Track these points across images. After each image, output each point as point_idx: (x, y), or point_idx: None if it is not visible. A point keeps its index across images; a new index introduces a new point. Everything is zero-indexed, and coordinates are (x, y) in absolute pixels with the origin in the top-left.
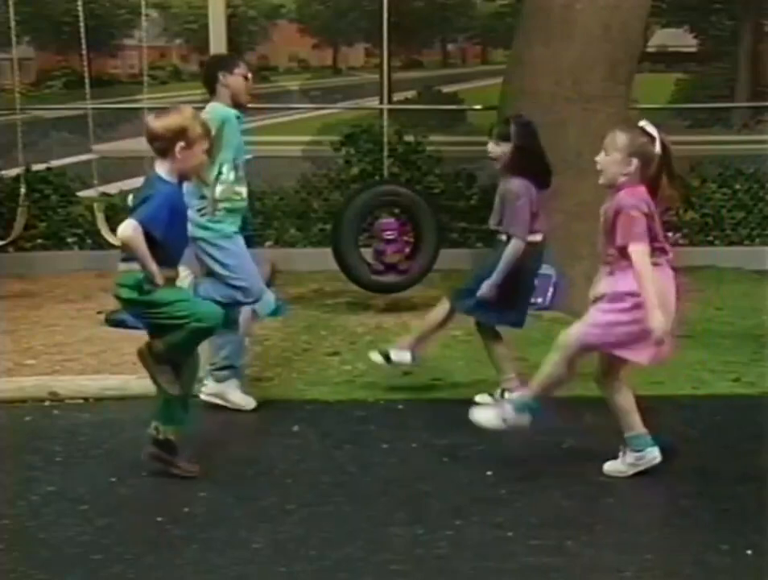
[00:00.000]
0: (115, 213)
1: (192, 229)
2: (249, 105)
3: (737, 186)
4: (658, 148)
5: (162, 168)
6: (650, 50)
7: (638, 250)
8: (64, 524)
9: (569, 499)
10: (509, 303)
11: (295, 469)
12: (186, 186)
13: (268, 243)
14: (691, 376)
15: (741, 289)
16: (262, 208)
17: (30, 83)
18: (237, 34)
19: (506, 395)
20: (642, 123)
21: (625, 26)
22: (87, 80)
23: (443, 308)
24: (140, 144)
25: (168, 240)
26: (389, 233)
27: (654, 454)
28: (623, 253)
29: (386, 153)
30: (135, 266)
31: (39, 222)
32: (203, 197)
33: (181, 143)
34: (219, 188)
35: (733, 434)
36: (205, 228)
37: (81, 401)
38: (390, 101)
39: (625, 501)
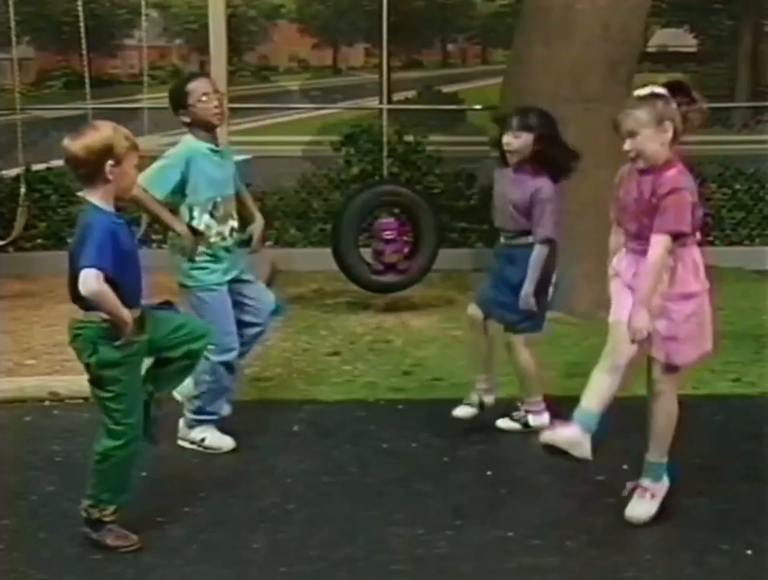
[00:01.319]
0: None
1: (178, 277)
2: (250, 106)
3: (737, 186)
4: (673, 102)
5: (94, 196)
6: (650, 50)
7: (665, 242)
8: (64, 524)
9: (569, 499)
10: (540, 307)
11: (295, 469)
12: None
13: (268, 243)
14: (691, 376)
15: (741, 289)
16: (262, 208)
17: (30, 83)
18: (237, 34)
19: (485, 398)
20: (641, 91)
21: (625, 26)
22: (87, 80)
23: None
24: (140, 144)
25: (120, 277)
26: (388, 233)
27: (663, 486)
28: (670, 234)
29: (385, 153)
30: (90, 315)
31: (39, 222)
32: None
33: (110, 162)
34: (196, 234)
35: (733, 434)
36: (188, 276)
37: (81, 401)
38: (389, 101)
39: (625, 501)
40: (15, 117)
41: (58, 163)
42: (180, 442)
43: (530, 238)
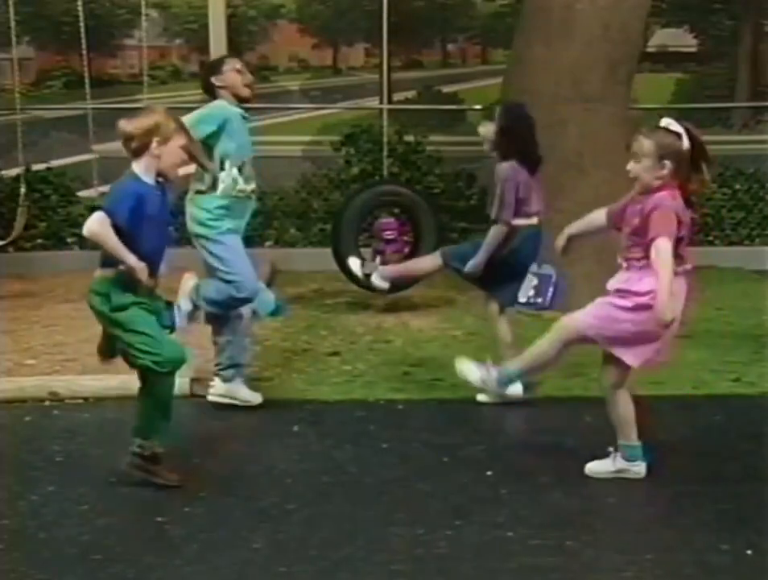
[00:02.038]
0: None
1: (190, 226)
2: (250, 105)
3: (737, 186)
4: (686, 143)
5: (138, 167)
6: (650, 50)
7: (664, 243)
8: (63, 524)
9: (569, 499)
10: (498, 281)
11: (295, 469)
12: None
13: (268, 243)
14: (691, 376)
15: (741, 289)
16: (262, 208)
17: (30, 83)
18: (237, 34)
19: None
20: (664, 122)
21: (625, 26)
22: (87, 80)
23: (433, 262)
24: None
25: (137, 234)
26: (388, 233)
27: (640, 468)
28: (647, 251)
29: (385, 153)
30: (106, 271)
31: (39, 222)
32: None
33: (156, 138)
34: (221, 184)
35: (733, 434)
36: (202, 224)
37: (81, 401)
38: (390, 101)
39: (625, 501)
40: (15, 117)
41: (58, 163)
42: (211, 398)
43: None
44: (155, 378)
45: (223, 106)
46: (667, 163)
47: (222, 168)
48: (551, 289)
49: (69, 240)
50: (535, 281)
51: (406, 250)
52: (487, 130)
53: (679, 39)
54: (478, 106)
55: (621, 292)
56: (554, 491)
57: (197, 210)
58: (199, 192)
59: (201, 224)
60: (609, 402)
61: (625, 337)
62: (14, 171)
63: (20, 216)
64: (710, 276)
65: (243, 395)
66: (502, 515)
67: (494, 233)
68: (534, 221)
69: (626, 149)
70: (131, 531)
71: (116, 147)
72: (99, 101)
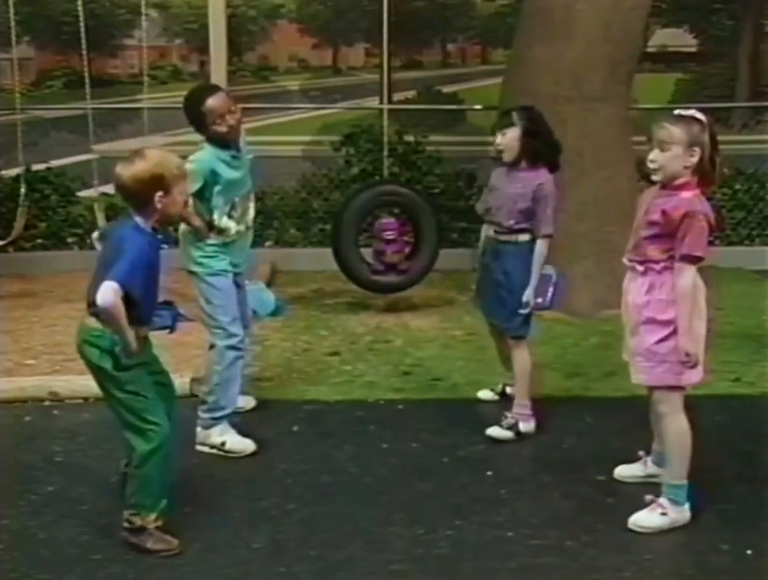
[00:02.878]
0: (116, 213)
1: (184, 261)
2: (250, 106)
3: (737, 186)
4: (707, 134)
5: (139, 217)
6: (650, 50)
7: (692, 268)
8: (63, 524)
9: (569, 499)
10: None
11: (295, 469)
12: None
13: (268, 243)
14: None
15: (741, 289)
16: (262, 208)
17: (30, 83)
18: (237, 34)
19: (508, 389)
20: (685, 112)
21: (625, 26)
22: (87, 80)
23: (525, 352)
24: (140, 144)
25: (144, 299)
26: (389, 233)
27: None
28: (668, 252)
29: (385, 153)
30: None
31: (39, 222)
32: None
33: (159, 193)
34: (212, 233)
35: (733, 434)
36: (198, 263)
37: (81, 401)
38: (390, 101)
39: (625, 501)
40: (15, 117)
41: (58, 163)
42: (199, 447)
43: (521, 237)
44: (142, 450)
45: (208, 160)
46: (697, 150)
47: (212, 220)
48: (551, 289)
49: (69, 240)
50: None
51: (407, 250)
52: (509, 138)
53: (679, 39)
54: (478, 106)
55: (651, 308)
56: (554, 491)
57: (191, 248)
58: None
59: (195, 263)
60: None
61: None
62: (14, 171)
63: (20, 216)
64: (710, 276)
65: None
66: (502, 515)
67: (541, 251)
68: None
69: (632, 145)
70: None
71: (116, 147)
72: (99, 101)
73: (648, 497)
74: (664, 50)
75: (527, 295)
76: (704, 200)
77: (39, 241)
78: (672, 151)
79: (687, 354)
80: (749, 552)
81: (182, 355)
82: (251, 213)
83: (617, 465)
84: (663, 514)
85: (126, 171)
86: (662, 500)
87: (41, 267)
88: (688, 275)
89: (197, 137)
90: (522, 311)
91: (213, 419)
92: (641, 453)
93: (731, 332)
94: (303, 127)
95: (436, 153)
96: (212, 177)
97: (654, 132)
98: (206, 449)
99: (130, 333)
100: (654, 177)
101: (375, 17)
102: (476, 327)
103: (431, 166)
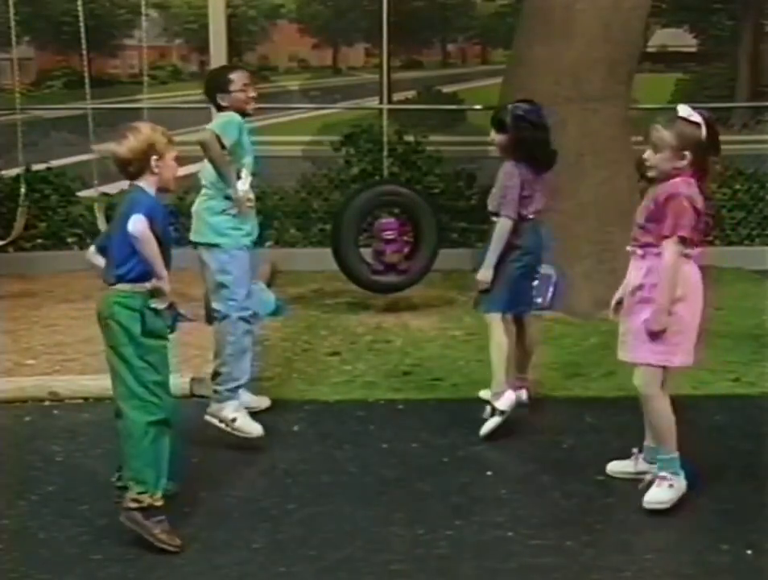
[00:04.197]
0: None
1: (204, 235)
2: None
3: (737, 186)
4: (704, 133)
5: (141, 182)
6: (650, 50)
7: (674, 247)
8: (63, 524)
9: (569, 499)
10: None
11: (295, 469)
12: (207, 191)
13: (268, 243)
14: (691, 376)
15: (741, 289)
16: (262, 208)
17: (30, 83)
18: (237, 34)
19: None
20: (684, 111)
21: (625, 26)
22: (87, 80)
23: (498, 328)
24: None
25: (163, 242)
26: (389, 233)
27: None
28: (664, 238)
29: (385, 153)
30: (137, 286)
31: (39, 222)
32: (227, 198)
33: (154, 156)
34: (240, 193)
35: (733, 434)
36: (223, 235)
37: (81, 401)
38: (390, 101)
39: (625, 501)
40: (15, 117)
41: (58, 163)
42: (208, 418)
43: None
44: (141, 421)
45: (235, 116)
46: (687, 154)
47: (239, 177)
48: (551, 289)
49: (69, 240)
50: (535, 281)
51: (406, 250)
52: (500, 138)
53: (679, 39)
54: (478, 106)
55: (645, 290)
56: (554, 491)
57: (214, 219)
58: (210, 199)
59: (220, 234)
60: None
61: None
62: (14, 171)
63: (20, 216)
64: (710, 276)
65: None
66: (502, 515)
67: (500, 228)
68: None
69: (632, 145)
70: (131, 531)
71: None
72: (99, 101)
73: (648, 475)
74: (664, 50)
75: (480, 272)
76: (691, 184)
77: (39, 241)
78: (662, 154)
79: (651, 332)
80: (749, 552)
81: (182, 355)
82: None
83: None
84: (671, 486)
85: (122, 145)
86: (663, 474)
87: (41, 267)
88: (669, 253)
89: (197, 137)
90: (478, 277)
91: (228, 390)
92: (634, 450)
93: (731, 332)
94: (303, 127)
95: (436, 153)
96: (240, 138)
97: (649, 132)
98: (215, 421)
99: (163, 268)
100: (649, 174)
101: (375, 17)
102: (476, 327)
103: (431, 166)
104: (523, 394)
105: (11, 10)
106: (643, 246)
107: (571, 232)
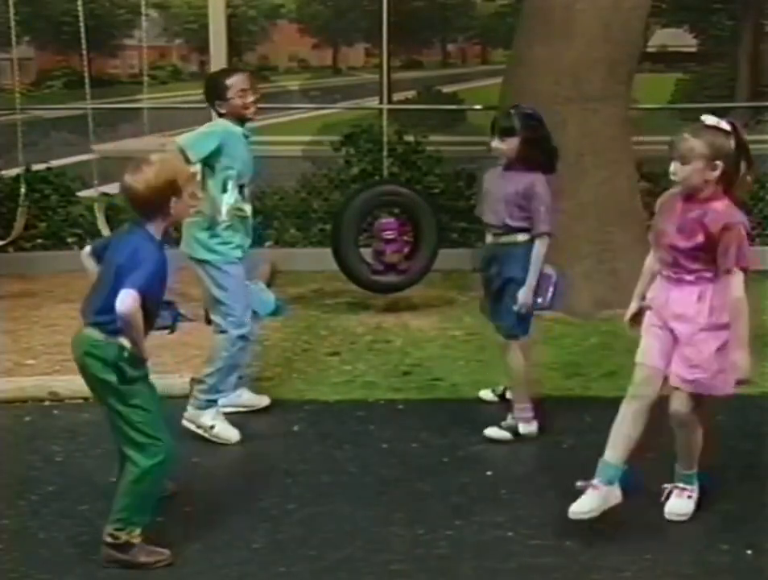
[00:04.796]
0: (116, 213)
1: (194, 251)
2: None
3: None
4: (733, 142)
5: (149, 225)
6: (650, 50)
7: (741, 278)
8: (63, 524)
9: (569, 499)
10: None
11: (295, 469)
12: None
13: (268, 243)
14: None
15: None
16: (262, 208)
17: (30, 83)
18: (237, 34)
19: (508, 393)
20: (711, 120)
21: (625, 26)
22: (87, 80)
23: (516, 354)
24: (140, 144)
25: (156, 308)
26: (388, 233)
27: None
28: (714, 263)
29: (385, 153)
30: (111, 339)
31: (39, 222)
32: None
33: (174, 199)
34: (224, 207)
35: (733, 434)
36: (212, 251)
37: (81, 401)
38: (390, 101)
39: (625, 501)
40: (15, 117)
41: (58, 163)
42: (186, 424)
43: (519, 236)
44: (143, 465)
45: (224, 125)
46: (719, 164)
47: (224, 190)
48: (551, 289)
49: (69, 240)
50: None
51: (406, 250)
52: (508, 146)
53: (679, 39)
54: (478, 106)
55: (709, 316)
56: (554, 491)
57: (202, 235)
58: (198, 213)
59: (209, 250)
60: (686, 433)
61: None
62: (14, 171)
63: (20, 216)
64: None
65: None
66: (502, 515)
67: (540, 249)
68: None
69: (632, 145)
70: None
71: (116, 147)
72: (99, 101)
73: (666, 486)
74: (664, 50)
75: (522, 293)
76: (736, 208)
77: (39, 241)
78: (693, 165)
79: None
80: (749, 552)
81: (182, 355)
82: (249, 204)
83: None
84: (690, 497)
85: (137, 179)
86: (682, 485)
87: (41, 267)
88: (738, 288)
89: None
90: (515, 308)
91: (208, 401)
92: (666, 486)
93: None
94: (303, 127)
95: (436, 153)
96: (225, 144)
97: (675, 144)
98: (192, 426)
99: (145, 350)
100: (679, 189)
101: (375, 17)
102: (477, 327)
103: (431, 166)
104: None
105: (11, 10)
106: (692, 272)
107: (572, 232)
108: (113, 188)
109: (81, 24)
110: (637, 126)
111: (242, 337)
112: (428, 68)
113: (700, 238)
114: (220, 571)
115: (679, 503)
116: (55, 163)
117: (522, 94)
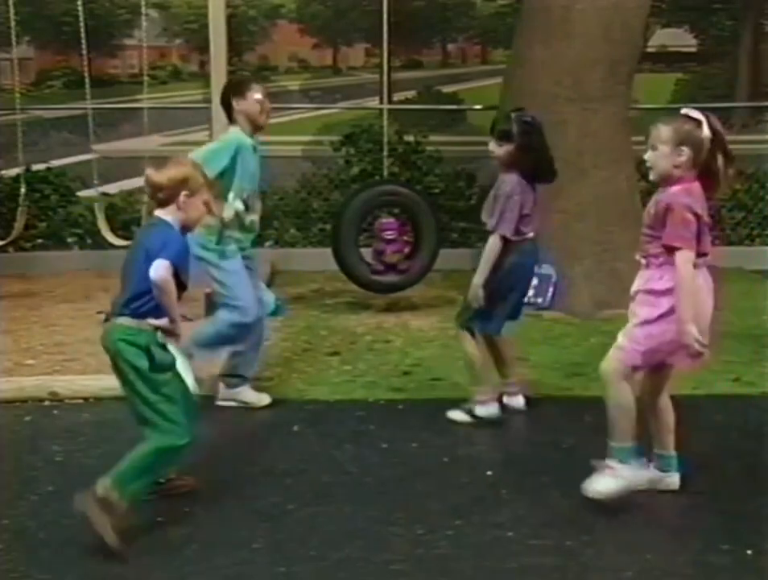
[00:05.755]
0: (115, 213)
1: (195, 250)
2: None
3: (737, 186)
4: (706, 131)
5: (167, 216)
6: (650, 50)
7: (684, 257)
8: (63, 524)
9: (569, 499)
10: (493, 306)
11: (295, 469)
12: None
13: (268, 243)
14: (691, 376)
15: (741, 289)
16: (262, 208)
17: (30, 83)
18: (237, 34)
19: (505, 398)
20: (684, 110)
21: (625, 26)
22: (87, 80)
23: (468, 343)
24: (140, 144)
25: (184, 285)
26: (389, 233)
27: (674, 479)
28: (666, 249)
29: (385, 153)
30: (144, 323)
31: (39, 222)
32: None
33: (185, 192)
34: (229, 211)
35: (733, 434)
36: (206, 249)
37: (81, 401)
38: (390, 101)
39: (625, 501)
40: (15, 117)
41: (58, 163)
42: (220, 403)
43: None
44: (158, 442)
45: (236, 138)
46: (685, 150)
47: (226, 200)
48: (551, 289)
49: (69, 240)
50: (535, 281)
51: (406, 250)
52: (505, 150)
53: (679, 39)
54: (478, 106)
55: (652, 293)
56: (554, 491)
57: (197, 231)
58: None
59: (204, 248)
60: (654, 414)
61: (669, 347)
62: (14, 171)
63: (20, 216)
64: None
65: (249, 398)
66: (502, 515)
67: (491, 246)
68: (525, 237)
69: (632, 145)
70: (131, 531)
71: (116, 147)
72: (99, 101)
73: (598, 463)
74: (664, 50)
75: (471, 290)
76: (692, 193)
77: (39, 241)
78: (659, 150)
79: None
80: (749, 552)
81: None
82: (258, 207)
83: None
84: (613, 477)
85: (161, 172)
86: (611, 462)
87: (41, 267)
88: (682, 266)
89: (196, 137)
90: (473, 303)
91: (234, 383)
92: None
93: (731, 332)
94: (303, 127)
95: (436, 153)
96: (236, 158)
97: (651, 131)
98: (227, 403)
99: (179, 316)
100: (650, 177)
101: (375, 17)
102: None
103: (431, 166)
104: (519, 400)
105: (11, 10)
106: (647, 256)
107: (571, 232)
108: (113, 188)
109: (81, 24)
110: (637, 126)
111: (244, 325)
112: (428, 68)
113: (651, 212)
114: (220, 571)
115: (597, 480)
116: (55, 163)
117: (522, 94)
